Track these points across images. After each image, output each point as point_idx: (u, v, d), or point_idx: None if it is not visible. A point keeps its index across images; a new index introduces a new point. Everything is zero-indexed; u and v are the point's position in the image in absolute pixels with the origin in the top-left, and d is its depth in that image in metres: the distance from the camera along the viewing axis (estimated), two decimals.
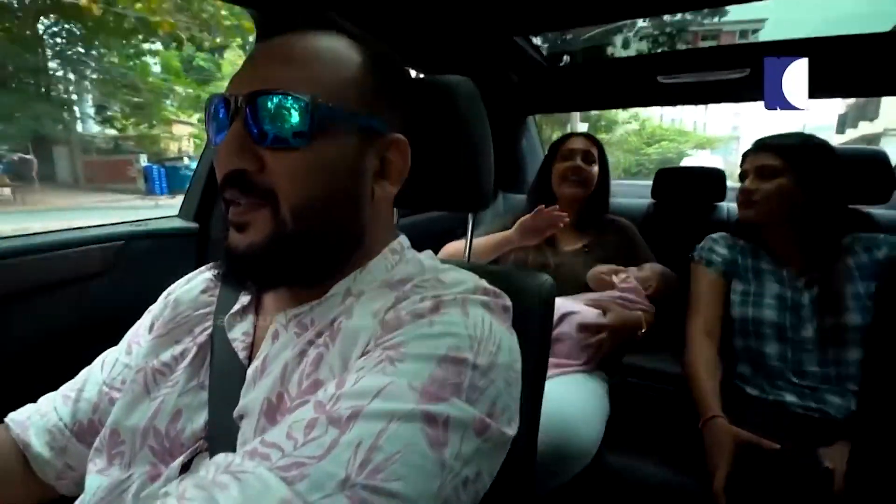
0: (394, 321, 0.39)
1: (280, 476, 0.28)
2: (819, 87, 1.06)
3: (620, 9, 1.10)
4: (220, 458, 0.32)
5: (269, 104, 0.39)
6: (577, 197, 1.34)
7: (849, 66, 1.34)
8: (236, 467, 0.30)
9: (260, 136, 0.39)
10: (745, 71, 1.40)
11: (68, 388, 0.53)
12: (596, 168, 1.36)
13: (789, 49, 1.32)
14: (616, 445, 1.07)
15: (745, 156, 1.10)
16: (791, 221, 1.03)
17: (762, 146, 1.06)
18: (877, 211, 1.42)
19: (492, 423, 0.35)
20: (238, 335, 0.46)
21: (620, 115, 16.63)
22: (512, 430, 0.38)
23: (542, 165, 1.44)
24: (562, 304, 1.13)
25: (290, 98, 0.38)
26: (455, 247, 1.25)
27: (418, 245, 0.55)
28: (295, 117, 0.38)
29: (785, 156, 1.02)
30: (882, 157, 1.35)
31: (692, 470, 0.91)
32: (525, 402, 0.50)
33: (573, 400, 0.98)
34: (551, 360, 1.07)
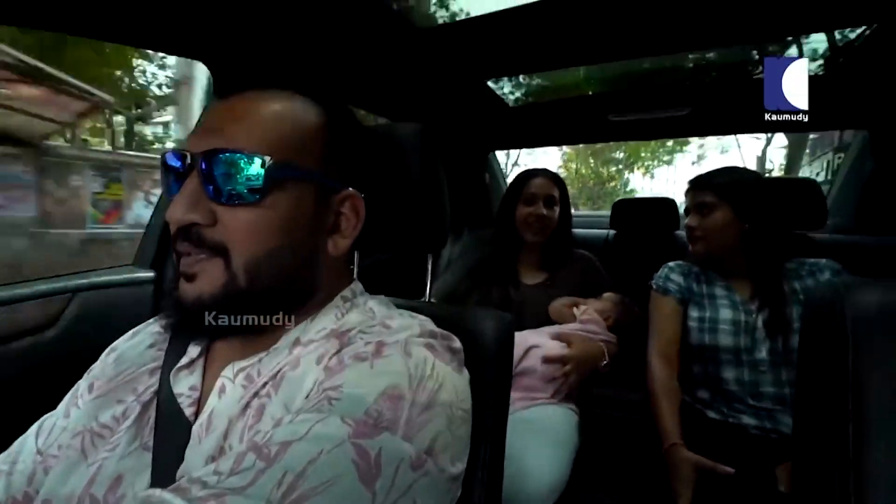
0: (336, 366, 0.39)
1: None
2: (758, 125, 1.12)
3: (587, 54, 1.15)
4: (142, 493, 0.31)
5: (226, 162, 0.40)
6: (539, 242, 1.34)
7: None
8: (155, 499, 0.29)
9: (215, 194, 0.40)
10: (687, 109, 1.50)
11: (1, 461, 0.50)
12: (557, 210, 1.33)
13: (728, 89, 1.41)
14: (586, 477, 1.07)
15: (685, 193, 1.17)
16: (738, 249, 1.08)
17: (697, 183, 1.13)
18: (819, 236, 1.51)
19: (429, 459, 0.35)
20: (185, 390, 0.45)
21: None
22: (456, 469, 0.38)
23: (504, 202, 1.39)
24: (526, 337, 1.14)
25: (246, 157, 0.40)
26: None
27: (381, 287, 0.55)
28: (250, 176, 0.40)
29: (718, 191, 1.08)
30: (813, 185, 1.46)
31: (660, 498, 0.92)
32: (485, 439, 0.50)
33: (540, 437, 0.98)
34: (517, 394, 1.07)
